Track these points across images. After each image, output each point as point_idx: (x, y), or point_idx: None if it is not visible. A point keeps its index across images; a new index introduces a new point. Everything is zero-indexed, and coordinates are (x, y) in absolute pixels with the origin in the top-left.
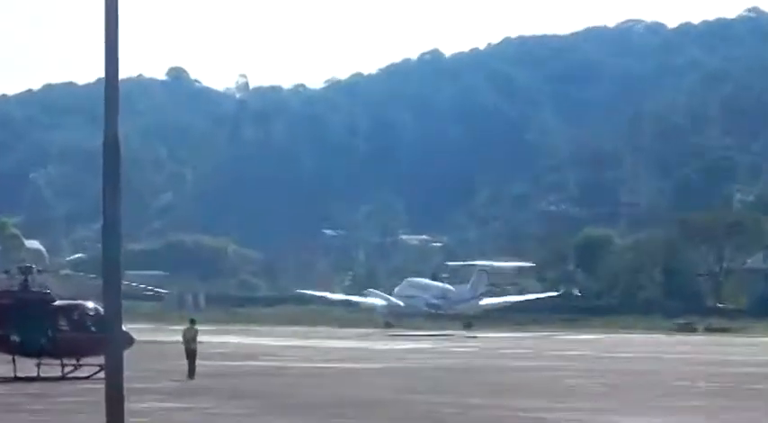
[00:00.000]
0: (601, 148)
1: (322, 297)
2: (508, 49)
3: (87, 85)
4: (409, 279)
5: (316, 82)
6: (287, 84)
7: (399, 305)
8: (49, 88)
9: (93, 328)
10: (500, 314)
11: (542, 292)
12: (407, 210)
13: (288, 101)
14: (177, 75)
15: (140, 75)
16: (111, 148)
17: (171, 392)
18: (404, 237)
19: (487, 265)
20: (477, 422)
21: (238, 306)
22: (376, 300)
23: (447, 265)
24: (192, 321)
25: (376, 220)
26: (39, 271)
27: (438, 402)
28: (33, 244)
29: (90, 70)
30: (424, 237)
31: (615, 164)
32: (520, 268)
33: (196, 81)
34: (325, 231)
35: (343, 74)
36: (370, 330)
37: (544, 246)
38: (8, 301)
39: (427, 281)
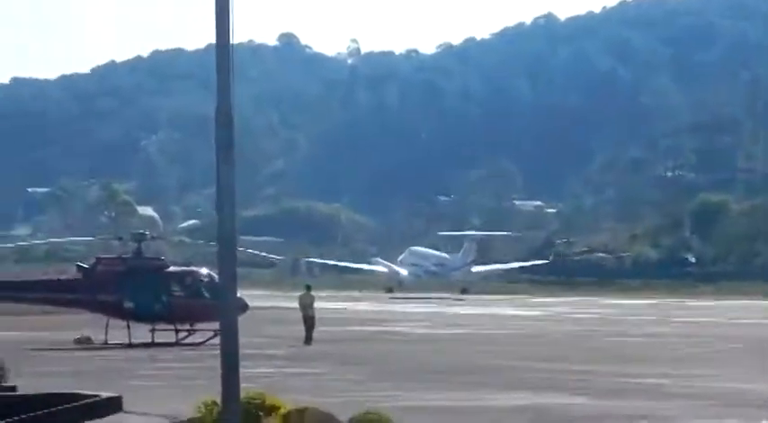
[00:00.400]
0: (718, 113)
1: (333, 265)
2: (624, 13)
3: (197, 52)
4: (412, 248)
5: (428, 47)
6: (399, 49)
7: (401, 273)
8: (157, 54)
9: (206, 294)
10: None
11: (657, 258)
12: (522, 175)
13: (400, 66)
14: (288, 40)
15: (251, 40)
16: (224, 115)
17: (287, 358)
18: (518, 202)
19: (477, 235)
20: (598, 388)
21: (352, 272)
22: (379, 267)
23: (439, 235)
24: (308, 287)
25: (490, 186)
26: (152, 237)
27: (557, 369)
28: (146, 210)
29: (199, 36)
30: (538, 203)
31: (732, 129)
32: (632, 236)
33: (307, 47)
34: (438, 197)
35: (455, 39)
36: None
37: (659, 212)
38: (122, 267)
39: (427, 250)
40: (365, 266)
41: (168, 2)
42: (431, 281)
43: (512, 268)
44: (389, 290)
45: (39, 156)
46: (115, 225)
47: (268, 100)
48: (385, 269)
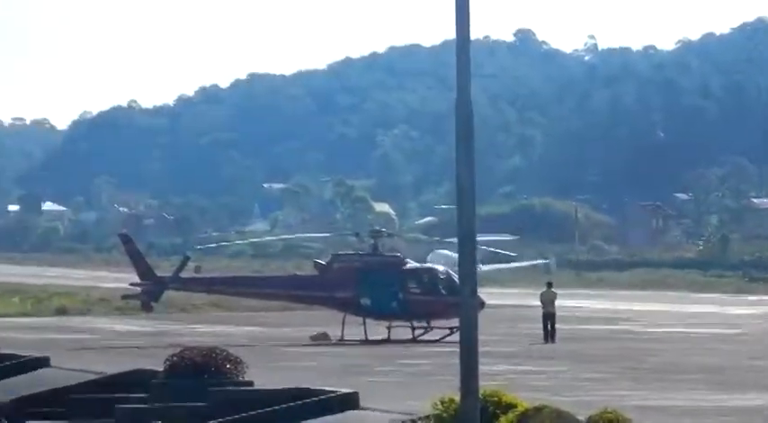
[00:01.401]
0: None
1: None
2: None
3: (433, 48)
4: (435, 251)
5: (666, 43)
6: (636, 45)
7: None
8: (393, 51)
9: (443, 291)
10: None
11: None
12: (760, 173)
13: (637, 63)
14: (525, 36)
15: (487, 37)
16: (464, 111)
17: (526, 356)
18: (755, 200)
19: (478, 239)
20: None
21: (589, 270)
22: None
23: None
24: (549, 284)
25: (728, 184)
26: (388, 234)
27: None
28: (382, 207)
29: (435, 32)
30: None
31: None
32: None
33: (544, 43)
34: (676, 195)
35: (694, 34)
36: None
37: None
38: (359, 264)
39: (447, 252)
40: None
41: None
42: None
43: (518, 267)
44: None
45: (275, 152)
46: (351, 221)
47: (504, 97)
48: None
